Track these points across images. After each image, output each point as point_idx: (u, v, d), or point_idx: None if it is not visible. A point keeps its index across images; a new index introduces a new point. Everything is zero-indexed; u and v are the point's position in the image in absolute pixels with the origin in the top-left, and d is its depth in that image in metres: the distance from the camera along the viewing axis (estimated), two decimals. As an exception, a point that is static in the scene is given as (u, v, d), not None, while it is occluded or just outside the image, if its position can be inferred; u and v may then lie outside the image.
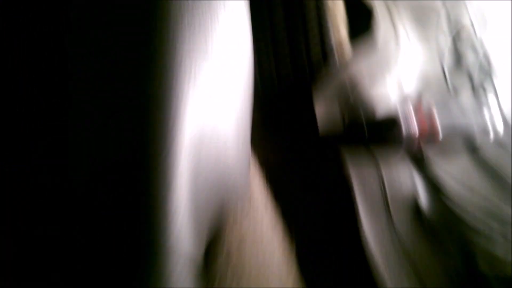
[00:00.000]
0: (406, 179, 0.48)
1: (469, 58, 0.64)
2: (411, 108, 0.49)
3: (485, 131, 0.56)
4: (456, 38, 0.64)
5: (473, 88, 0.61)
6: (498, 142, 0.57)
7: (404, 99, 0.51)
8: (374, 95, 0.51)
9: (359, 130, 0.47)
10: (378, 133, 0.47)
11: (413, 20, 0.64)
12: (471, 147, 0.54)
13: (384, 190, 0.46)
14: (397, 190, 0.47)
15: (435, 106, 0.50)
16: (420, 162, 0.49)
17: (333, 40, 0.52)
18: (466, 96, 0.61)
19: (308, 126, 0.49)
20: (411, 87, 0.55)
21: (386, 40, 0.56)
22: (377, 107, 0.50)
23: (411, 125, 0.47)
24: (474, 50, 0.64)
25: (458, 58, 0.64)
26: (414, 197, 0.47)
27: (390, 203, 0.45)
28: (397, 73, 0.55)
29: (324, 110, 0.49)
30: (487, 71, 0.61)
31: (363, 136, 0.47)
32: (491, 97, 0.60)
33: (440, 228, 0.46)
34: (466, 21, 0.65)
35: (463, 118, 0.56)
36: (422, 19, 0.64)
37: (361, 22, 0.56)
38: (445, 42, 0.63)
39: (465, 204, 0.49)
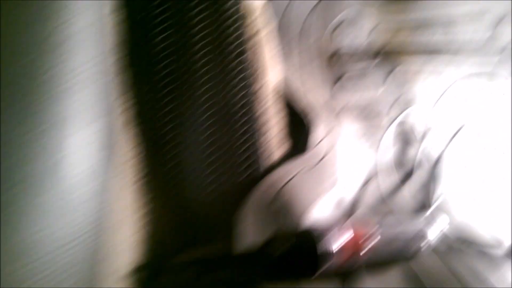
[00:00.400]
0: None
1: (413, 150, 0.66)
2: (337, 228, 0.49)
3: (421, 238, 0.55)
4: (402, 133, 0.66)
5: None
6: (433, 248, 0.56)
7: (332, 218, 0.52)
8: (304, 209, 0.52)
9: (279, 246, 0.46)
10: (300, 248, 0.46)
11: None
12: (404, 258, 0.54)
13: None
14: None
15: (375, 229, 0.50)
16: (345, 279, 0.48)
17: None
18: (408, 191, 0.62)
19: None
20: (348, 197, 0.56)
21: (322, 151, 0.58)
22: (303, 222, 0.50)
23: (334, 245, 0.46)
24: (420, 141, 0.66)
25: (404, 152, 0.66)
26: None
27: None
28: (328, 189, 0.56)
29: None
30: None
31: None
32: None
33: None
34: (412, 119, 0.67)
35: (403, 228, 0.56)
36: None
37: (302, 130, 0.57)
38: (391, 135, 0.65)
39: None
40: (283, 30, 0.64)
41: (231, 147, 0.53)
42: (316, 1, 0.68)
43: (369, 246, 0.48)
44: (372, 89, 0.69)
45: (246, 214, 0.51)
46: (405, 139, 0.68)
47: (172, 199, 0.51)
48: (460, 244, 0.57)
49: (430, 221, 0.56)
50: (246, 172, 0.53)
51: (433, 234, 0.54)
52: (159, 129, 0.51)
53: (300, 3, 0.66)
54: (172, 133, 0.51)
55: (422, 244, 0.53)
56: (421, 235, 0.54)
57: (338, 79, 0.68)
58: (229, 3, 0.50)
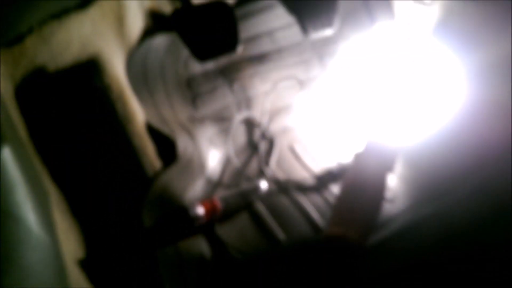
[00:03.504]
0: (197, 245, 0.78)
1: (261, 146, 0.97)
2: (200, 203, 0.79)
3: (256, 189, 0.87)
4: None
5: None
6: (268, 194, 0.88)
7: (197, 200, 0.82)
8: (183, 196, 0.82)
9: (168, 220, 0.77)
10: (179, 219, 0.77)
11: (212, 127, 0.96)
12: (247, 203, 0.85)
13: (179, 254, 0.75)
14: (189, 253, 0.76)
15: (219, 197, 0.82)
16: (208, 232, 0.80)
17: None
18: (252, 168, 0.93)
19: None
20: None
21: (189, 155, 0.87)
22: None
23: (197, 210, 0.77)
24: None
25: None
26: (202, 256, 0.77)
27: (185, 263, 0.75)
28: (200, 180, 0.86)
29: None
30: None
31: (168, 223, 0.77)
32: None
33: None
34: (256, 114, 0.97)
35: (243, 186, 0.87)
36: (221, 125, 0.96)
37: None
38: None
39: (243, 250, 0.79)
40: (145, 74, 0.90)
41: (123, 167, 0.80)
42: (167, 45, 0.93)
43: (221, 206, 0.80)
44: (221, 99, 0.98)
45: (145, 209, 0.80)
46: (250, 128, 0.98)
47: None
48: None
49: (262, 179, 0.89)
50: (138, 180, 0.81)
51: (263, 186, 0.86)
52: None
53: (154, 50, 0.92)
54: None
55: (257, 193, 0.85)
56: (255, 188, 0.86)
57: (195, 96, 0.96)
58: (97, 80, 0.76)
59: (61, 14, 0.72)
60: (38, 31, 0.70)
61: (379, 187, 0.69)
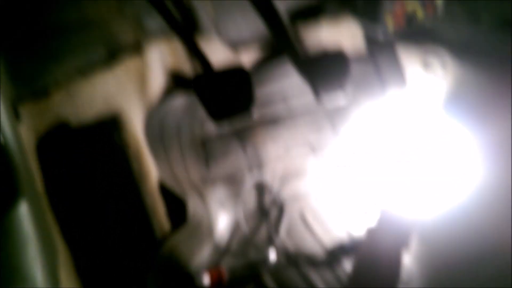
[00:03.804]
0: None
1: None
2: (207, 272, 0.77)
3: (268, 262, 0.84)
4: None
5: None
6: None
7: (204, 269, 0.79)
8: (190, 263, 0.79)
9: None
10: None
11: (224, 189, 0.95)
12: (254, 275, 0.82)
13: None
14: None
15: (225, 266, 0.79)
16: None
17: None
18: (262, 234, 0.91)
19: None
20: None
21: (199, 218, 0.86)
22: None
23: (203, 279, 0.74)
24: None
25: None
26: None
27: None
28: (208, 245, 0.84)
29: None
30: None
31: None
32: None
33: None
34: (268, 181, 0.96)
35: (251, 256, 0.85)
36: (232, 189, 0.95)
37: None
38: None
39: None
40: (162, 132, 0.91)
41: (133, 227, 0.78)
42: (185, 106, 0.96)
43: (228, 276, 0.76)
44: (234, 160, 0.98)
45: (151, 273, 0.77)
46: (261, 193, 0.97)
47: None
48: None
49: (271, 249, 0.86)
50: (146, 241, 0.79)
51: (272, 257, 0.83)
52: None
53: (172, 110, 0.94)
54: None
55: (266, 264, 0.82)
56: (264, 259, 0.83)
57: (209, 156, 0.96)
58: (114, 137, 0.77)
59: (87, 69, 0.75)
60: (65, 86, 0.72)
61: (394, 267, 0.65)
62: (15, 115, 0.63)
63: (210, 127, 0.97)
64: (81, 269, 0.68)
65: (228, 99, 0.82)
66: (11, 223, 0.49)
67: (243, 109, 0.83)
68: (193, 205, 0.87)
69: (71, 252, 0.66)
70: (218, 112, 0.82)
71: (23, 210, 0.51)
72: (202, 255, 0.84)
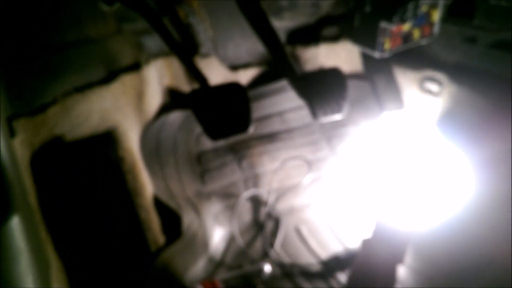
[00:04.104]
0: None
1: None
2: (202, 284, 0.76)
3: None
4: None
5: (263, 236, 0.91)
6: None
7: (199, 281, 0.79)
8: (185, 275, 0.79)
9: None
10: None
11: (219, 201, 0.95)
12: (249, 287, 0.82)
13: None
14: None
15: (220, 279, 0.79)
16: None
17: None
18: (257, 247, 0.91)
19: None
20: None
21: (194, 231, 0.86)
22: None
23: None
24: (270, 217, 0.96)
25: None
26: None
27: None
28: (203, 257, 0.84)
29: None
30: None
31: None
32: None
33: None
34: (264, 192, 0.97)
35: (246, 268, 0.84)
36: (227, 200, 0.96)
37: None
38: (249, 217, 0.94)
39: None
40: (158, 147, 0.92)
41: (127, 241, 0.78)
42: (182, 121, 0.97)
43: None
44: (230, 175, 0.99)
45: (149, 282, 0.76)
46: (256, 206, 0.98)
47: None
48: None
49: (266, 261, 0.86)
50: (140, 255, 0.79)
51: (267, 269, 0.83)
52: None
53: (168, 126, 0.95)
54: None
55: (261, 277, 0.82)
56: (259, 271, 0.83)
57: (204, 171, 0.97)
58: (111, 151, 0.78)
59: (85, 87, 0.76)
60: (61, 102, 0.73)
61: (390, 278, 0.65)
62: (10, 130, 0.64)
63: (206, 142, 0.98)
64: (74, 282, 0.67)
65: (224, 116, 0.83)
66: (2, 237, 0.49)
67: (239, 127, 0.84)
68: (187, 219, 0.87)
69: (64, 265, 0.66)
70: (214, 129, 0.83)
71: (15, 224, 0.51)
72: (196, 268, 0.84)
